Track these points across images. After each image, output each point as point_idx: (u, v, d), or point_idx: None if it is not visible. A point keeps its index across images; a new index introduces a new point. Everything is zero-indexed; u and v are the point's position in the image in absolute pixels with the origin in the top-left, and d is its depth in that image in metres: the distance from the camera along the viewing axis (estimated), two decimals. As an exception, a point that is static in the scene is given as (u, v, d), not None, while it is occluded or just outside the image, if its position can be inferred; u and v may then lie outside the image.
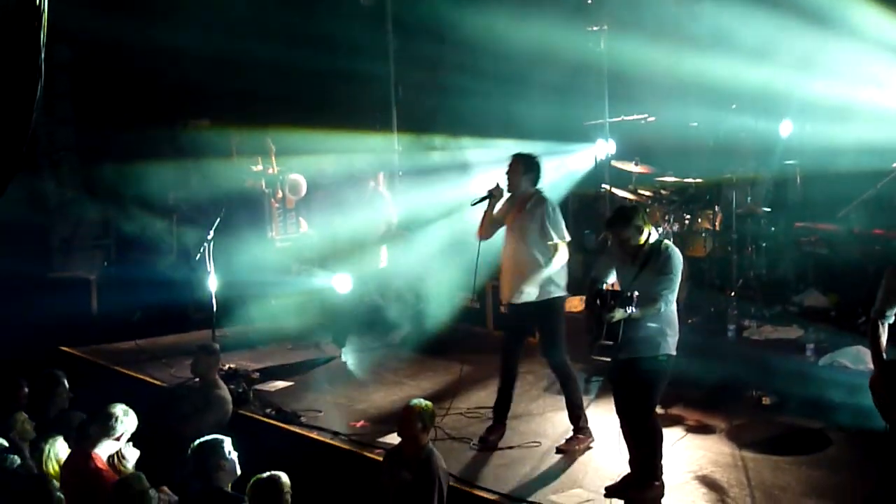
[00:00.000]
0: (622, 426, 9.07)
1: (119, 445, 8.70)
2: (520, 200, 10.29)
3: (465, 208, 11.44)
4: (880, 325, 8.25)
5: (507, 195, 10.38)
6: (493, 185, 10.37)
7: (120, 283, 15.31)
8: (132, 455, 8.75)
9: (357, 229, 13.86)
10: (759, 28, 12.79)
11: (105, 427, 8.67)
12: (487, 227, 10.43)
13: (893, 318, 8.26)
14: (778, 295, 12.85)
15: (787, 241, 13.07)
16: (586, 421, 10.22)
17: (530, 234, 10.10)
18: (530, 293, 10.06)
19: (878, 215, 12.07)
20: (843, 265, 12.13)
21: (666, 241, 9.00)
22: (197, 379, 11.18)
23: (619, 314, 8.49)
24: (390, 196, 13.81)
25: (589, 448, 10.00)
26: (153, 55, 15.73)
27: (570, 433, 10.16)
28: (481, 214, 10.48)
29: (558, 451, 9.94)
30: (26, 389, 9.75)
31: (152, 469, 8.39)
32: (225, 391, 10.97)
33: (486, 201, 10.41)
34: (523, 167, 10.24)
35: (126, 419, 8.75)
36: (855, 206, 12.17)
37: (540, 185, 10.33)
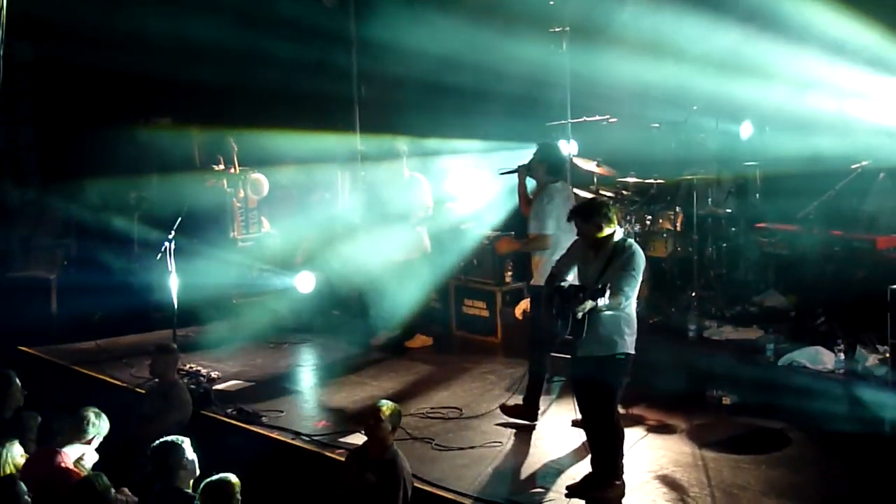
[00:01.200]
0: (584, 424, 9.10)
1: (88, 449, 8.68)
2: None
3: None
4: None
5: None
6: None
7: (80, 282, 15.19)
8: (91, 458, 8.72)
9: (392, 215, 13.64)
10: (722, 34, 12.85)
11: (77, 430, 8.65)
12: (525, 203, 10.89)
13: None
14: (738, 295, 12.93)
15: (748, 242, 13.13)
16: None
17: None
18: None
19: (837, 217, 12.14)
20: (802, 266, 12.20)
21: (630, 239, 9.03)
22: (156, 379, 11.11)
23: (589, 305, 8.47)
24: (426, 181, 13.55)
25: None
26: (114, 53, 15.62)
27: None
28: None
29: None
30: None
31: (112, 470, 8.36)
32: (185, 391, 10.91)
33: (515, 174, 10.92)
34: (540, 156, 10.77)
35: (99, 423, 8.74)
36: (815, 207, 12.24)
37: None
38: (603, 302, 8.40)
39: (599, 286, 8.43)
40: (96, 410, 8.80)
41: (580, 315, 8.52)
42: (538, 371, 10.72)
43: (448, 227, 13.98)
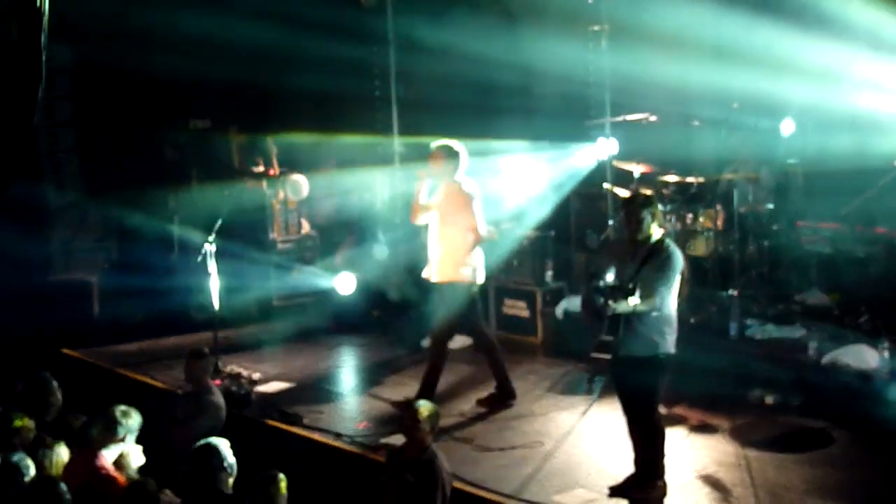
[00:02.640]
0: (627, 425, 9.07)
1: (124, 446, 8.70)
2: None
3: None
4: None
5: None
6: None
7: (121, 285, 15.27)
8: (137, 459, 8.74)
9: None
10: (761, 31, 12.76)
11: (107, 430, 8.66)
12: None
13: None
14: (780, 294, 12.83)
15: (790, 240, 13.05)
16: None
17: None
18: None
19: (880, 214, 12.06)
20: (845, 264, 12.12)
21: (667, 239, 8.99)
22: (190, 385, 11.11)
23: (622, 307, 8.48)
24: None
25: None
26: (154, 56, 15.68)
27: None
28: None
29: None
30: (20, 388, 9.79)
31: (152, 472, 8.39)
32: (218, 396, 10.78)
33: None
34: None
35: (127, 420, 8.74)
36: (857, 204, 12.16)
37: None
38: (635, 303, 8.37)
39: (630, 286, 8.41)
40: (124, 408, 8.81)
41: (615, 315, 8.51)
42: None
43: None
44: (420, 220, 11.24)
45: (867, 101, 12.19)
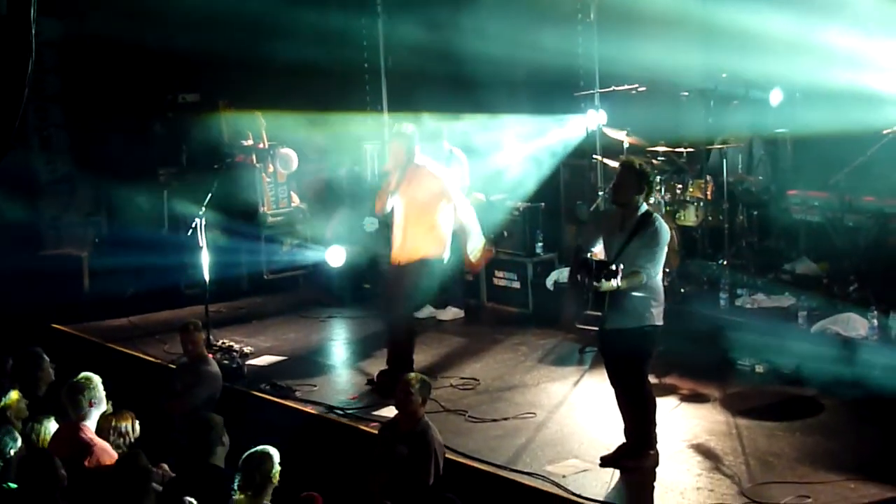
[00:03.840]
0: (616, 395, 9.11)
1: (97, 411, 8.71)
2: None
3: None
4: None
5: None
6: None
7: (111, 260, 15.25)
8: (134, 431, 8.77)
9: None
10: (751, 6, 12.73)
11: (73, 402, 8.69)
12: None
13: None
14: (770, 263, 12.86)
15: (779, 210, 13.05)
16: None
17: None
18: None
19: (869, 182, 12.07)
20: (834, 233, 12.14)
21: (655, 213, 9.00)
22: (185, 358, 11.14)
23: (605, 286, 8.51)
24: (465, 158, 13.47)
25: None
26: (142, 29, 15.62)
27: None
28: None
29: None
30: (11, 363, 9.82)
31: (148, 446, 8.41)
32: (215, 366, 10.93)
33: None
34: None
35: (90, 385, 8.75)
36: (846, 173, 12.18)
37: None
38: (617, 283, 8.40)
39: (613, 267, 8.43)
40: (85, 375, 8.84)
41: (601, 290, 8.54)
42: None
43: (477, 201, 13.95)
44: (385, 208, 11.24)
45: (854, 75, 12.18)
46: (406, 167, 11.01)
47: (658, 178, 12.79)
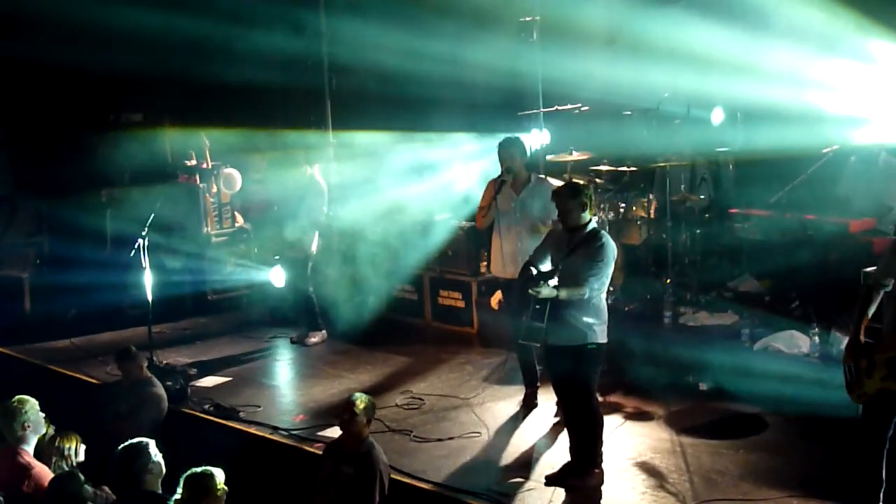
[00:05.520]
0: (563, 413, 9.12)
1: (34, 435, 8.63)
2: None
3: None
4: (876, 293, 7.92)
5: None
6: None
7: (53, 281, 15.13)
8: (78, 454, 8.69)
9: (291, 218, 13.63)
10: (690, 24, 12.84)
11: (7, 427, 8.61)
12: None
13: (891, 286, 8.04)
14: (713, 281, 12.93)
15: (721, 228, 13.15)
16: None
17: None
18: None
19: (810, 201, 12.19)
20: (776, 251, 12.23)
21: (602, 230, 9.05)
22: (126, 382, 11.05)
23: (545, 291, 8.54)
24: (325, 185, 13.61)
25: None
26: (84, 50, 15.50)
27: None
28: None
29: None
30: None
31: (94, 468, 8.33)
32: (159, 388, 10.89)
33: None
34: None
35: (23, 408, 8.67)
36: (787, 192, 12.30)
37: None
38: (554, 284, 8.44)
39: (550, 270, 8.48)
40: (19, 398, 8.76)
41: (540, 301, 8.58)
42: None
43: (421, 220, 14.00)
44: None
45: (795, 95, 12.32)
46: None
47: (602, 195, 12.88)
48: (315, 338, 13.67)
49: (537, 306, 8.72)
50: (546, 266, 9.04)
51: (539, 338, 8.92)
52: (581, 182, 9.41)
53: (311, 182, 13.45)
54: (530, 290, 8.65)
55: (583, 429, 8.98)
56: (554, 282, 8.55)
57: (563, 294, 8.56)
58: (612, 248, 8.83)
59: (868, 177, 11.97)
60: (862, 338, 7.86)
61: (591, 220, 8.89)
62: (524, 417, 10.67)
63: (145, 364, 11.31)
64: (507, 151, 10.66)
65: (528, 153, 10.99)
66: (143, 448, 7.91)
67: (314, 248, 13.55)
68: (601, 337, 8.89)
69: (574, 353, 8.82)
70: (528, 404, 10.81)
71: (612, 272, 8.91)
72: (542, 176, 11.01)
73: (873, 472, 7.80)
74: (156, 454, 7.91)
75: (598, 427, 9.02)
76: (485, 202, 10.81)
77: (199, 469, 7.38)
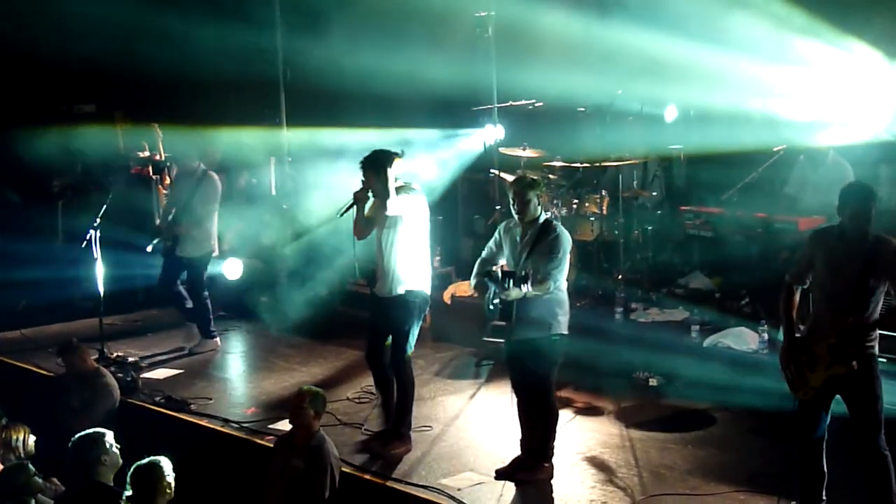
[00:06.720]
0: (519, 407, 9.13)
1: None
2: None
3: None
4: (795, 291, 8.12)
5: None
6: (357, 189, 9.74)
7: (3, 273, 14.99)
8: (28, 446, 8.67)
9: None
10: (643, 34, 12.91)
11: None
12: (361, 228, 9.92)
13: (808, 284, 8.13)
14: (664, 278, 13.04)
15: (673, 225, 13.24)
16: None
17: None
18: None
19: (760, 199, 12.29)
20: (727, 248, 12.32)
21: (555, 221, 9.08)
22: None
23: (514, 293, 8.56)
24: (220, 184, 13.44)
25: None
26: (35, 39, 15.41)
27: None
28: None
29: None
30: None
31: (47, 461, 8.30)
32: (109, 377, 10.89)
33: (353, 208, 9.78)
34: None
35: None
36: (738, 189, 12.40)
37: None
38: (528, 288, 8.47)
39: (523, 273, 8.51)
40: None
41: (509, 300, 8.61)
42: None
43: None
44: None
45: (747, 98, 12.43)
46: None
47: (555, 191, 12.94)
48: (208, 346, 13.33)
49: (504, 304, 8.73)
50: (501, 261, 9.06)
51: (504, 335, 8.92)
52: (532, 176, 9.39)
53: (202, 176, 13.23)
54: (501, 295, 8.65)
55: (540, 421, 9.00)
56: (528, 286, 8.52)
57: (531, 293, 8.59)
58: (566, 237, 8.86)
59: (817, 176, 12.08)
60: (796, 335, 7.96)
61: (541, 213, 8.92)
62: (475, 412, 10.70)
63: (92, 356, 11.27)
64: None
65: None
66: (99, 438, 7.89)
67: (214, 245, 13.34)
68: (564, 328, 8.93)
69: (538, 345, 8.84)
70: None
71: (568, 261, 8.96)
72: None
73: (815, 466, 7.90)
74: (112, 445, 7.89)
75: (554, 421, 9.06)
76: None
77: (143, 462, 7.30)
